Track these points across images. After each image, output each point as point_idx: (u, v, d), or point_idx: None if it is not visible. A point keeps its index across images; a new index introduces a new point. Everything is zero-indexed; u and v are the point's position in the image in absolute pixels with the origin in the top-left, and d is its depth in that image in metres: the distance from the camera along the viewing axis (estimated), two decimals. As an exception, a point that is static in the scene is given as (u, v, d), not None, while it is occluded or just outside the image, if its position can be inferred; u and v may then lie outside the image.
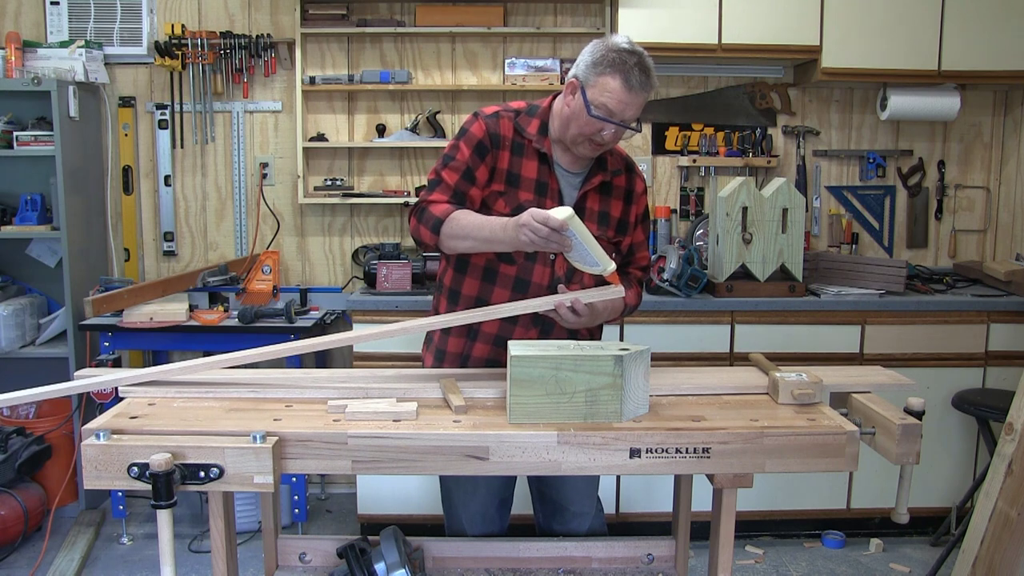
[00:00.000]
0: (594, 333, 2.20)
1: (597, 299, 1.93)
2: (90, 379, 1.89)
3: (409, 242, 3.74)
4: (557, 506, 2.26)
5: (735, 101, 3.74)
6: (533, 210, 1.79)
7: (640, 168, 2.24)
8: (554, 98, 2.09)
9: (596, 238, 2.05)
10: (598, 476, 2.29)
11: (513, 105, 2.11)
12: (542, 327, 2.06)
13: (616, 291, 1.94)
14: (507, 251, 1.92)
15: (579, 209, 2.05)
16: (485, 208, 2.05)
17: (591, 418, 1.67)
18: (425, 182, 3.70)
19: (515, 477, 2.29)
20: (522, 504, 2.44)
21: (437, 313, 2.18)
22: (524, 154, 2.04)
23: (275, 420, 1.67)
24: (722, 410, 1.77)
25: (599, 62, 1.92)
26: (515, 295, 2.05)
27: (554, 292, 2.01)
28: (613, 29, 3.49)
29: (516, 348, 1.70)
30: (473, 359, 2.12)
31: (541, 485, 2.29)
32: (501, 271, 2.06)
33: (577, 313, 1.90)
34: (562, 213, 1.78)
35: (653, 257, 3.28)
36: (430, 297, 3.17)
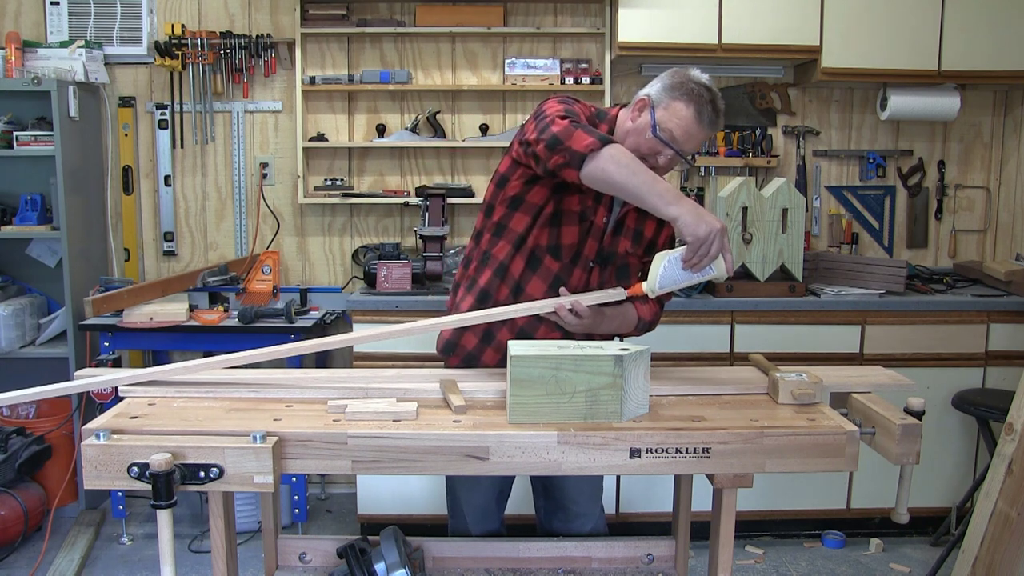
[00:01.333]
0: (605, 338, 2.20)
1: (598, 301, 1.93)
2: (90, 379, 1.89)
3: (409, 242, 3.74)
4: (560, 504, 2.26)
5: (735, 101, 3.74)
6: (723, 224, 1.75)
7: None
8: (621, 108, 2.07)
9: (628, 254, 2.09)
10: (602, 479, 2.30)
11: (586, 102, 2.08)
12: (565, 330, 2.03)
13: (616, 293, 1.94)
14: (649, 209, 1.79)
15: (619, 225, 2.07)
16: (559, 191, 2.01)
17: (591, 418, 1.67)
18: (425, 182, 3.73)
19: (507, 489, 2.30)
20: (522, 504, 2.44)
21: (474, 280, 2.12)
22: None
23: (275, 420, 1.67)
24: (722, 410, 1.77)
25: (677, 87, 1.92)
26: (549, 291, 2.04)
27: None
28: (613, 29, 3.49)
29: (516, 348, 1.70)
30: (496, 341, 2.10)
31: (547, 481, 2.29)
32: (545, 262, 2.05)
33: (579, 315, 1.90)
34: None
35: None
36: (430, 297, 3.17)
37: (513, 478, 2.30)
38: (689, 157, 1.98)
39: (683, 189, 3.75)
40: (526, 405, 1.67)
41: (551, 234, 2.04)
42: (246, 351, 1.85)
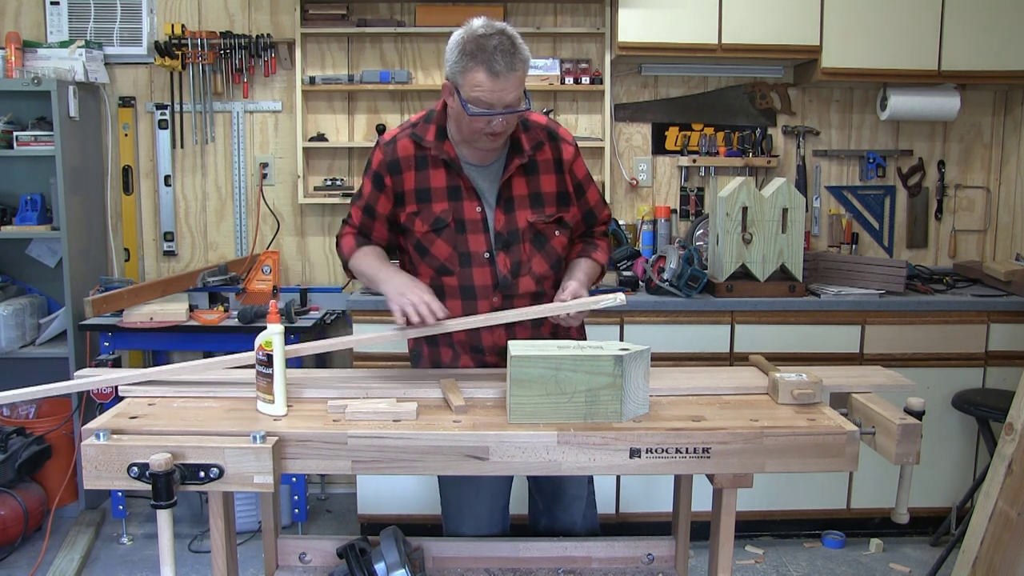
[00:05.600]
0: (581, 332, 2.21)
1: (597, 304, 1.90)
2: (92, 378, 1.89)
3: (409, 242, 3.74)
4: (559, 487, 2.23)
5: (735, 101, 3.74)
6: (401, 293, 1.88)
7: (565, 130, 2.13)
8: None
9: (534, 224, 2.04)
10: None
11: (413, 118, 2.09)
12: (507, 326, 2.04)
13: (606, 299, 1.89)
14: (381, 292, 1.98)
15: (505, 199, 2.03)
16: (406, 230, 2.05)
17: (591, 418, 1.68)
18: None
19: (508, 496, 2.27)
20: (523, 503, 2.44)
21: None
22: (429, 165, 2.02)
23: (275, 420, 1.68)
24: (722, 410, 1.77)
25: (461, 58, 1.85)
26: (466, 303, 2.04)
27: (503, 291, 2.02)
28: (613, 29, 3.49)
29: (516, 348, 1.70)
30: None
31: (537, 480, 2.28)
32: (445, 284, 2.05)
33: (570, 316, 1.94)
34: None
35: (653, 257, 3.28)
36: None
37: (508, 504, 2.28)
38: (521, 103, 1.89)
39: (683, 189, 3.75)
40: (526, 405, 1.67)
41: (428, 261, 2.05)
42: (245, 353, 1.85)
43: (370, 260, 2.05)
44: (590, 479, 2.28)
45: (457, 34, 1.89)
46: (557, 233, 2.07)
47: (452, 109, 1.95)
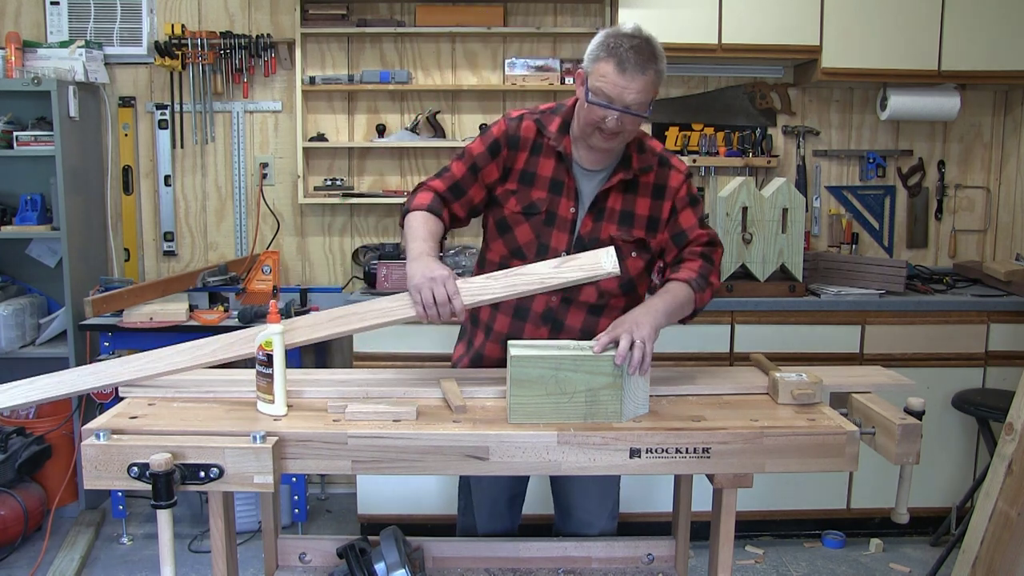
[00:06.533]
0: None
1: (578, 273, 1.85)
2: (83, 379, 1.88)
3: (409, 242, 3.74)
4: (567, 511, 2.25)
5: (735, 101, 3.74)
6: (434, 277, 1.77)
7: (680, 160, 2.12)
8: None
9: (615, 239, 2.01)
10: (614, 487, 2.28)
11: (543, 106, 2.12)
12: (552, 324, 2.05)
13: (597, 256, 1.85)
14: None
15: (598, 208, 2.04)
16: (496, 204, 2.07)
17: (591, 418, 1.68)
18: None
19: (519, 492, 2.29)
20: (531, 504, 2.44)
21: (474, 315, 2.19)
22: (542, 153, 2.05)
23: (275, 420, 1.68)
24: (722, 410, 1.77)
25: (596, 49, 1.92)
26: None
27: (565, 292, 1.99)
28: (613, 29, 3.49)
29: (516, 348, 1.71)
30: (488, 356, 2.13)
31: (555, 487, 2.28)
32: (513, 267, 2.05)
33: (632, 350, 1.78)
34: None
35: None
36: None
37: (526, 484, 2.29)
38: (643, 110, 1.91)
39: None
40: (526, 405, 1.67)
41: (507, 241, 2.06)
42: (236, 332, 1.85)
43: (425, 228, 1.96)
44: (613, 514, 2.27)
45: (603, 30, 1.96)
46: (634, 255, 2.06)
47: (579, 101, 1.98)
